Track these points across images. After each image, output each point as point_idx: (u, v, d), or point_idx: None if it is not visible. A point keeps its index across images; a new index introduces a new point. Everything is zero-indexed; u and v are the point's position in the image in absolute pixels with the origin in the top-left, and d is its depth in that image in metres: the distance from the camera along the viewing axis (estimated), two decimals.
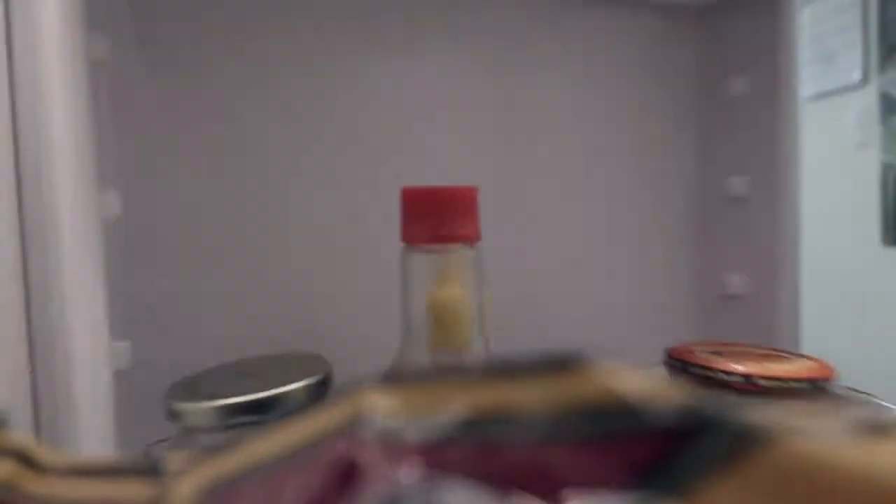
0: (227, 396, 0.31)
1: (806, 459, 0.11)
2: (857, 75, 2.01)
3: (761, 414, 0.12)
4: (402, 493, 0.14)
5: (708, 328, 0.62)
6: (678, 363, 0.47)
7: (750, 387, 0.43)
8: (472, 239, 0.32)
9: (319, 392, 0.33)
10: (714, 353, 0.47)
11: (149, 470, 0.19)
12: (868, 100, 1.98)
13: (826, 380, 0.44)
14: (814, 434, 0.12)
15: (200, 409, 0.31)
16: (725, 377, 0.44)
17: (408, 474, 0.14)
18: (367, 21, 0.52)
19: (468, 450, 0.13)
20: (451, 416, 0.14)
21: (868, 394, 0.53)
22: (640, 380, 0.13)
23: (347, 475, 0.14)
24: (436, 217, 0.31)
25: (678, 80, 0.60)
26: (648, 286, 0.61)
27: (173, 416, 0.31)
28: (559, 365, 0.13)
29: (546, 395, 0.13)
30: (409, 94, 0.52)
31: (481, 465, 0.13)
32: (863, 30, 1.98)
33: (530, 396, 0.13)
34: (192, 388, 0.33)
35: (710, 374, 0.45)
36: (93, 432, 0.34)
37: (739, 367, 0.45)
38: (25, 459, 0.20)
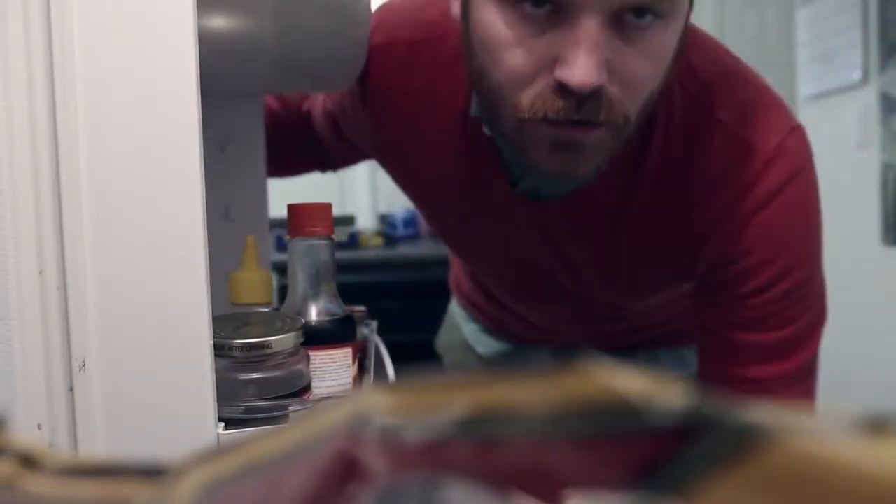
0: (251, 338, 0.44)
1: (806, 459, 0.11)
2: (857, 75, 2.01)
3: (761, 414, 0.12)
4: (402, 493, 0.14)
5: None
6: None
7: None
8: (329, 233, 0.52)
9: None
10: None
11: (149, 469, 0.19)
12: (868, 99, 1.98)
13: None
14: (814, 434, 0.12)
15: (241, 344, 0.44)
16: None
17: (408, 474, 0.14)
18: None
19: (468, 449, 0.13)
20: (451, 415, 0.14)
21: None
22: (641, 380, 0.13)
23: (347, 475, 0.14)
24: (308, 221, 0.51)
25: None
26: None
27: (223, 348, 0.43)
28: (560, 365, 0.13)
29: (546, 395, 0.13)
30: None
31: (481, 464, 0.13)
32: (863, 29, 1.98)
33: (530, 396, 0.13)
34: (216, 329, 0.43)
35: None
36: None
37: None
38: (25, 459, 0.20)
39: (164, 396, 0.39)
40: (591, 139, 0.54)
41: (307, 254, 0.52)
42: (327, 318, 0.51)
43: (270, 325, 0.46)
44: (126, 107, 0.38)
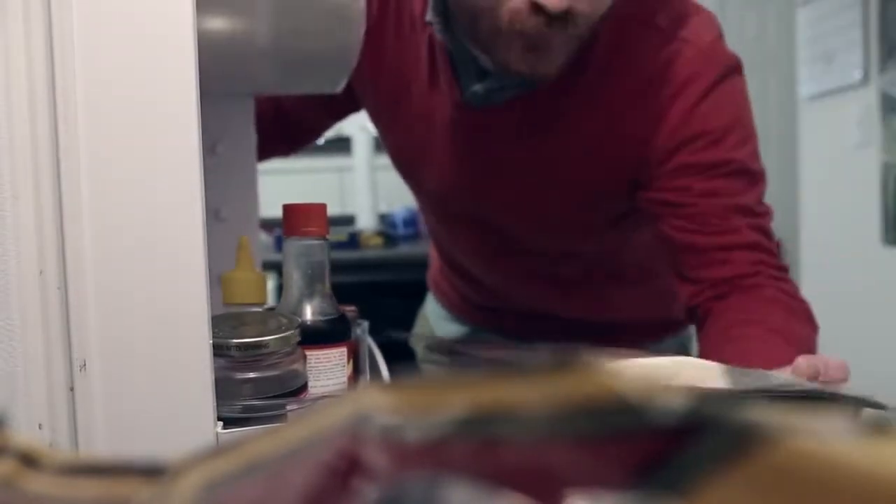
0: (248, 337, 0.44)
1: (806, 459, 0.11)
2: (857, 74, 2.01)
3: (762, 413, 0.12)
4: (402, 492, 0.14)
5: None
6: None
7: None
8: (323, 234, 0.52)
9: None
10: None
11: (148, 468, 0.19)
12: (868, 99, 1.98)
13: None
14: (814, 434, 0.12)
15: (239, 343, 0.44)
16: None
17: (408, 473, 0.14)
18: None
19: (468, 449, 0.13)
20: (451, 415, 0.14)
21: None
22: (641, 379, 0.13)
23: (348, 474, 0.14)
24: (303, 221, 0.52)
25: None
26: None
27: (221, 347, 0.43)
28: (559, 364, 0.13)
29: (546, 395, 0.13)
30: None
31: (481, 464, 0.13)
32: (863, 29, 1.98)
33: (530, 396, 0.13)
34: (214, 332, 0.43)
35: None
36: None
37: None
38: (26, 458, 0.20)
39: (163, 396, 0.39)
40: (557, 41, 0.63)
41: (302, 254, 0.52)
42: (322, 318, 0.51)
43: (267, 324, 0.47)
44: (126, 108, 0.38)
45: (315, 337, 0.50)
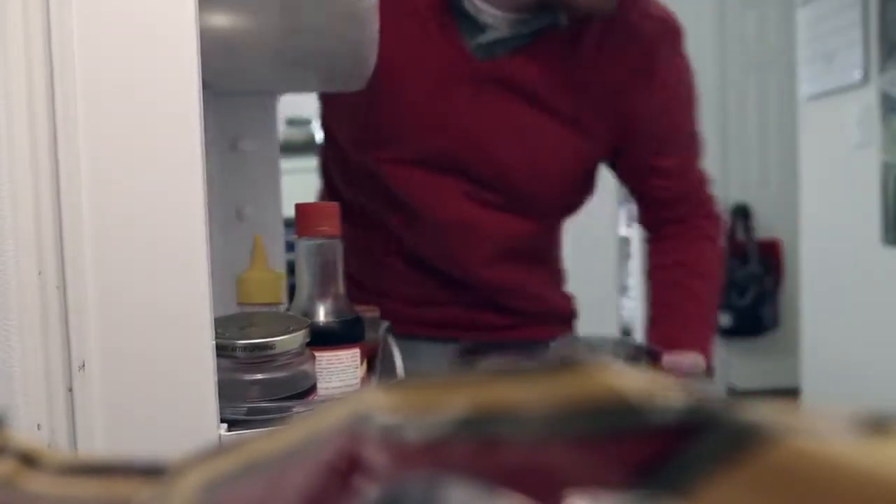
0: (254, 338, 0.44)
1: (807, 458, 0.11)
2: (857, 74, 2.01)
3: (762, 413, 0.12)
4: (402, 492, 0.14)
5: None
6: None
7: None
8: (335, 234, 0.52)
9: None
10: None
11: (149, 468, 0.19)
12: (868, 99, 1.98)
13: None
14: (814, 434, 0.12)
15: (245, 344, 0.43)
16: None
17: (408, 473, 0.14)
18: None
19: (468, 449, 0.13)
20: (451, 414, 0.14)
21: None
22: (641, 379, 0.13)
23: (348, 474, 0.14)
24: (314, 220, 0.52)
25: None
26: None
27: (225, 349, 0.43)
28: (559, 364, 0.13)
29: (546, 394, 0.13)
30: None
31: (481, 463, 0.13)
32: (863, 29, 1.98)
33: (530, 395, 0.13)
34: (219, 332, 0.43)
35: None
36: None
37: None
38: (26, 458, 0.20)
39: (164, 397, 0.38)
40: None
41: (314, 253, 0.52)
42: (334, 319, 0.51)
43: (276, 325, 0.46)
44: (126, 106, 0.38)
45: (327, 338, 0.49)
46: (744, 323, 2.90)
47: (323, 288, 0.51)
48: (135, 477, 0.19)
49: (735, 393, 2.93)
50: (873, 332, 1.98)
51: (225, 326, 0.44)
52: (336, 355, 0.50)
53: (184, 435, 0.38)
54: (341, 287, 0.52)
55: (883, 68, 1.93)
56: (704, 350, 0.82)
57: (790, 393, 2.58)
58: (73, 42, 0.36)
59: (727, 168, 2.94)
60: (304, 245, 0.52)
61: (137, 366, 0.38)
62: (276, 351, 0.44)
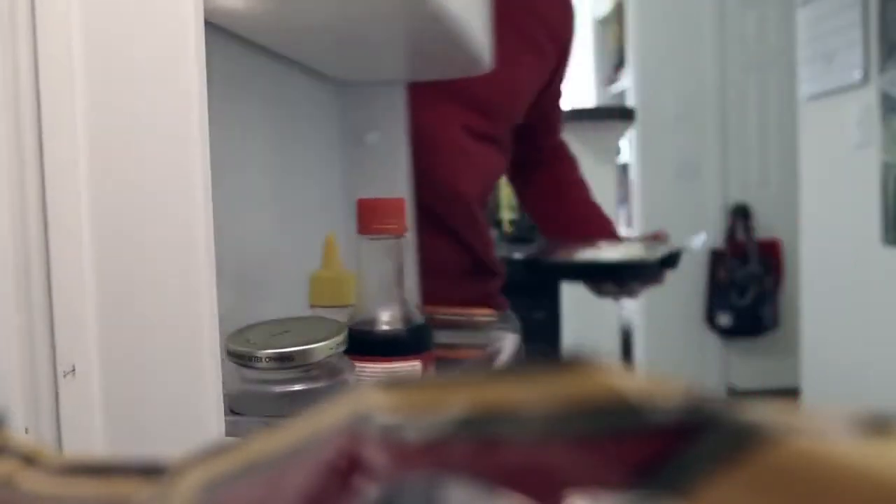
0: (279, 347, 0.41)
1: (807, 458, 0.11)
2: (857, 74, 2.01)
3: (762, 413, 0.12)
4: (402, 492, 0.14)
5: None
6: None
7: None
8: (401, 231, 0.48)
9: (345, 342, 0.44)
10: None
11: (149, 468, 0.19)
12: (868, 99, 1.98)
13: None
14: (814, 434, 0.12)
15: (260, 355, 0.40)
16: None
17: (408, 473, 0.14)
18: None
19: (468, 449, 0.13)
20: (451, 414, 0.14)
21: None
22: (641, 378, 0.13)
23: (348, 473, 0.14)
24: (377, 217, 0.48)
25: (320, 133, 0.77)
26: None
27: (233, 356, 0.41)
28: (559, 364, 0.13)
29: (546, 394, 0.13)
30: None
31: (481, 463, 0.13)
32: (863, 29, 1.98)
33: (530, 395, 0.13)
34: (248, 339, 0.42)
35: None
36: None
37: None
38: (26, 458, 0.20)
39: (161, 406, 0.36)
40: None
41: (377, 254, 0.47)
42: (397, 326, 0.47)
43: (312, 332, 0.42)
44: (119, 101, 0.36)
45: (386, 347, 0.46)
46: (744, 323, 2.90)
47: (386, 292, 0.47)
48: (135, 477, 0.19)
49: (735, 393, 2.93)
50: (873, 332, 1.98)
51: (256, 333, 0.42)
52: (393, 367, 0.46)
53: (184, 447, 0.35)
54: (406, 290, 0.48)
55: (883, 68, 1.92)
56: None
57: (790, 393, 2.58)
58: (63, 33, 0.35)
59: (727, 168, 2.94)
60: (367, 244, 0.47)
61: (131, 371, 0.36)
62: (306, 360, 0.41)
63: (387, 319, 0.47)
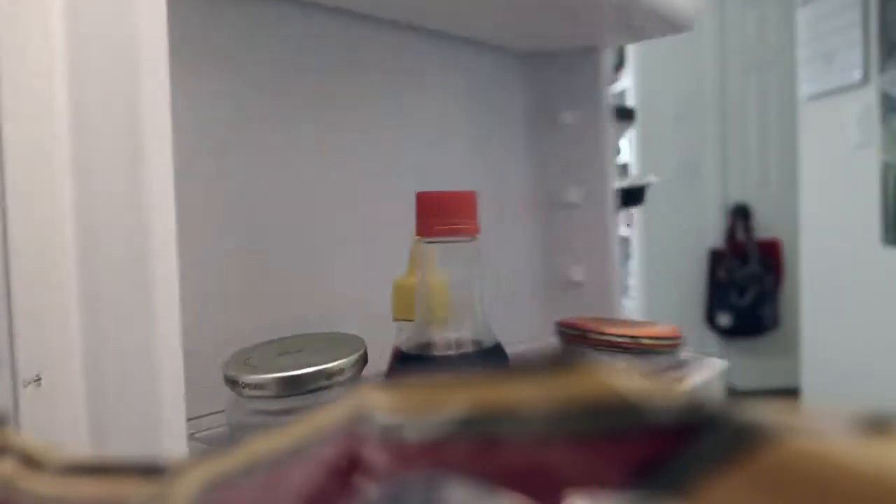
0: (279, 371, 0.36)
1: (809, 458, 0.11)
2: (857, 74, 2.01)
3: (762, 413, 0.12)
4: (402, 492, 0.14)
5: (555, 309, 0.73)
6: (573, 331, 0.56)
7: (635, 345, 0.53)
8: (472, 232, 0.39)
9: (360, 366, 0.39)
10: (594, 322, 0.58)
11: (148, 468, 0.19)
12: (868, 99, 1.98)
13: (680, 337, 0.56)
14: (814, 434, 0.12)
15: (256, 380, 0.36)
16: (616, 339, 0.53)
17: (408, 473, 0.14)
18: None
19: (468, 448, 0.13)
20: (451, 414, 0.14)
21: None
22: (641, 378, 0.13)
23: (348, 473, 0.14)
24: (441, 215, 0.39)
25: (508, 113, 0.72)
26: (505, 278, 0.74)
27: (231, 383, 0.37)
28: (560, 363, 0.13)
29: (546, 394, 0.13)
30: None
31: (481, 463, 0.13)
32: (863, 29, 1.98)
33: (530, 395, 0.13)
34: (248, 360, 0.38)
35: (602, 337, 0.54)
36: None
37: (623, 331, 0.54)
38: (25, 458, 0.20)
39: (126, 417, 0.33)
40: None
41: (441, 259, 0.39)
42: (463, 348, 0.38)
43: (326, 353, 0.37)
44: (99, 97, 0.33)
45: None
46: (744, 323, 2.90)
47: (452, 307, 0.39)
48: (135, 477, 0.19)
49: (735, 393, 2.93)
50: (873, 332, 1.98)
51: (261, 353, 0.37)
52: None
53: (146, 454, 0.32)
54: (480, 303, 0.39)
55: (883, 68, 1.92)
56: None
57: (790, 393, 2.57)
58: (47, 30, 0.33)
59: (727, 168, 2.94)
60: (429, 248, 0.39)
61: (91, 381, 0.33)
62: (310, 387, 0.35)
63: (451, 340, 0.39)
